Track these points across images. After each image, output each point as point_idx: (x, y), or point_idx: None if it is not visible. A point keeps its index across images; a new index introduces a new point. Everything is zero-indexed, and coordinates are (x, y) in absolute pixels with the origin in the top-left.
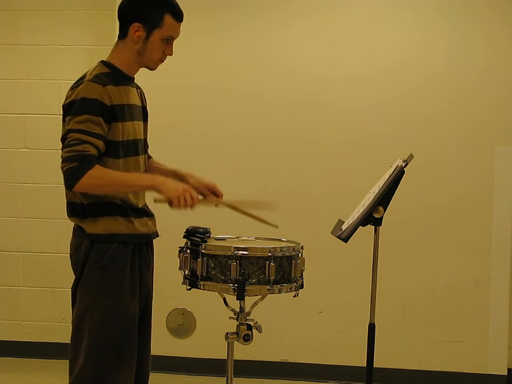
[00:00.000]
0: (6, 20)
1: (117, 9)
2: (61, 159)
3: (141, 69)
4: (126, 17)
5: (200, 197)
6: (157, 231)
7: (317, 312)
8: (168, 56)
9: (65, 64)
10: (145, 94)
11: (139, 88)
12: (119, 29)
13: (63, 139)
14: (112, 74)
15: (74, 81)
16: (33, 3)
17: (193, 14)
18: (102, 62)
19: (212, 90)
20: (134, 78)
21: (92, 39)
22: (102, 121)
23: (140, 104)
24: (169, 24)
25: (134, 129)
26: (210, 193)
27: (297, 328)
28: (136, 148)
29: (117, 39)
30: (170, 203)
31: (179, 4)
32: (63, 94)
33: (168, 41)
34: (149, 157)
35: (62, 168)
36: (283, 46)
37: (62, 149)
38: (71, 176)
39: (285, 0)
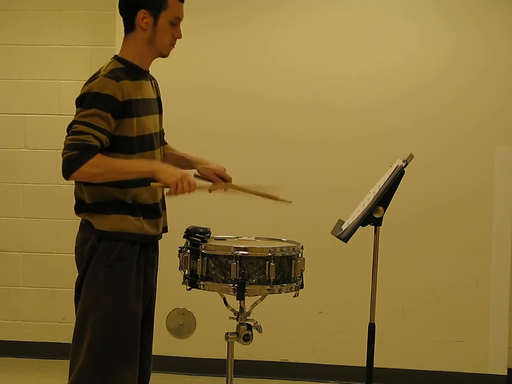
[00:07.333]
0: (6, 19)
1: (117, 9)
2: (63, 146)
3: None
4: (130, 8)
5: (209, 183)
6: (166, 227)
7: (317, 312)
8: (177, 39)
9: (65, 64)
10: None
11: (153, 79)
12: (125, 23)
13: (68, 129)
14: (127, 70)
15: (89, 78)
16: (33, 3)
17: (192, 13)
18: (116, 57)
19: (211, 90)
20: (148, 71)
21: (92, 39)
22: (109, 117)
23: (155, 97)
24: (173, 4)
25: (150, 123)
26: (218, 179)
27: (297, 328)
28: (151, 143)
29: (124, 34)
30: (167, 188)
31: None
32: (63, 94)
33: (175, 25)
34: (165, 143)
35: (62, 155)
36: (283, 46)
37: (65, 137)
38: (70, 164)
39: None
